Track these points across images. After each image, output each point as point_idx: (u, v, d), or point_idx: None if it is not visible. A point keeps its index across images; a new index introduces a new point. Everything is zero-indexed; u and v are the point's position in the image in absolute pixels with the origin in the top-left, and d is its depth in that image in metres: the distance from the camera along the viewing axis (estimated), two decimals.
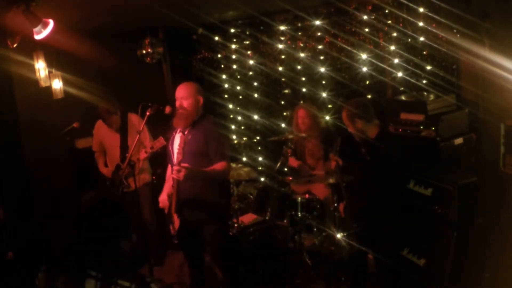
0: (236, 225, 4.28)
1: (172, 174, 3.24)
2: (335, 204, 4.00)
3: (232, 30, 5.75)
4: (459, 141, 3.82)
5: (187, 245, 3.59)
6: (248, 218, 4.60)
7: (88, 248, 1.85)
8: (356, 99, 3.77)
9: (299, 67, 5.70)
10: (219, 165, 3.30)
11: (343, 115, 3.56)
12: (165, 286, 1.92)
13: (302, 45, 5.47)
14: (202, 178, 3.27)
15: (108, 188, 4.62)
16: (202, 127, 3.38)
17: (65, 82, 4.63)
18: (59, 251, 3.43)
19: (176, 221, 3.42)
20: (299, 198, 4.41)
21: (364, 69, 5.07)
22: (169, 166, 3.63)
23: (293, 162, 4.93)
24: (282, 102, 6.13)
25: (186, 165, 3.13)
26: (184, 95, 3.37)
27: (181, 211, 3.38)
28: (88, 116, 4.96)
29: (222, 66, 6.13)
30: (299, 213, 4.38)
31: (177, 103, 3.38)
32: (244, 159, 5.88)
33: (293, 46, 5.53)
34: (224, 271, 3.65)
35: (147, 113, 3.49)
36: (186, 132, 3.40)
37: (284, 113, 6.04)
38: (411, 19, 4.48)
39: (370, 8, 4.88)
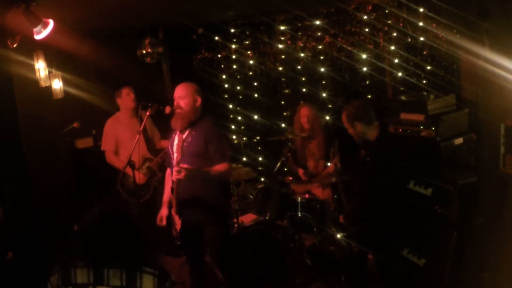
0: (236, 225, 4.28)
1: (172, 176, 3.23)
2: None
3: (232, 30, 5.75)
4: (459, 141, 3.81)
5: (189, 245, 3.59)
6: (248, 218, 4.60)
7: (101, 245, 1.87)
8: (355, 101, 3.73)
9: (299, 67, 5.70)
10: (220, 166, 3.30)
11: (342, 117, 3.53)
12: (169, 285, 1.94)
13: (302, 45, 5.47)
14: (203, 177, 3.26)
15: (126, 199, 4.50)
16: (201, 128, 3.37)
17: (65, 82, 4.62)
18: (59, 251, 3.44)
19: (178, 223, 3.42)
20: (299, 198, 4.41)
21: (364, 69, 5.07)
22: (168, 169, 3.62)
23: (294, 166, 4.94)
24: (282, 102, 6.13)
25: (185, 165, 3.13)
26: (181, 95, 3.38)
27: (181, 212, 3.38)
28: (88, 116, 4.96)
29: (222, 66, 6.13)
30: (299, 213, 4.38)
31: (175, 103, 3.39)
32: (244, 159, 5.88)
33: (293, 46, 5.53)
34: (223, 271, 3.65)
35: (147, 113, 3.50)
36: (185, 133, 3.39)
37: (284, 113, 6.04)
38: (411, 19, 4.48)
39: (370, 8, 4.88)
